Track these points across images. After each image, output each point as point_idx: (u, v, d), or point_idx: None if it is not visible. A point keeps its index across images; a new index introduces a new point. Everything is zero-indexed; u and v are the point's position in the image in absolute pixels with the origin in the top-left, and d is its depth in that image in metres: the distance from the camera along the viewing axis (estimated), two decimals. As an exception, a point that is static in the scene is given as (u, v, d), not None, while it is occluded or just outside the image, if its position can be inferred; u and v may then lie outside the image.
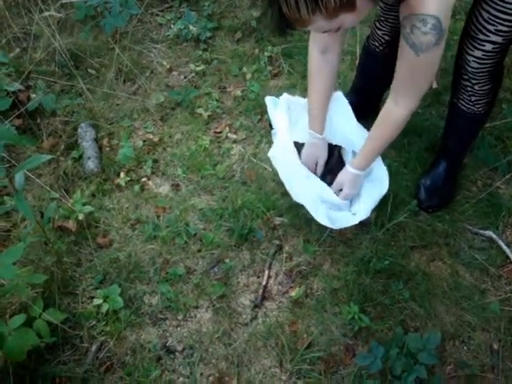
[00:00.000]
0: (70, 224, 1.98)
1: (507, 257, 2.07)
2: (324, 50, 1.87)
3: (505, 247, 2.08)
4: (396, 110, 1.69)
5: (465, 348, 1.85)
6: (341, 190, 1.99)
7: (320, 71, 1.93)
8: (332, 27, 1.36)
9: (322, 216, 1.93)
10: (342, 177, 1.98)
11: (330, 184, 2.03)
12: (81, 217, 1.97)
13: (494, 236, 2.11)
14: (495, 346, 1.84)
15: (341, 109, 2.15)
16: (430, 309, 1.91)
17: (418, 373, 1.68)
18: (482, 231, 2.13)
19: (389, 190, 2.16)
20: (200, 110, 2.46)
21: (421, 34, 1.46)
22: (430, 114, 2.48)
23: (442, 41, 1.47)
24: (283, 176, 2.06)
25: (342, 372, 1.75)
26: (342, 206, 2.02)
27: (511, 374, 1.78)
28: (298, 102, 2.22)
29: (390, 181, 2.08)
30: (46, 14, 2.49)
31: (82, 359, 1.72)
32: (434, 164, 2.24)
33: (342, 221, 1.96)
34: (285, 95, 2.23)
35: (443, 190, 2.19)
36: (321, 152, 2.08)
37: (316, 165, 2.10)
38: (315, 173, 2.09)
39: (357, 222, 1.94)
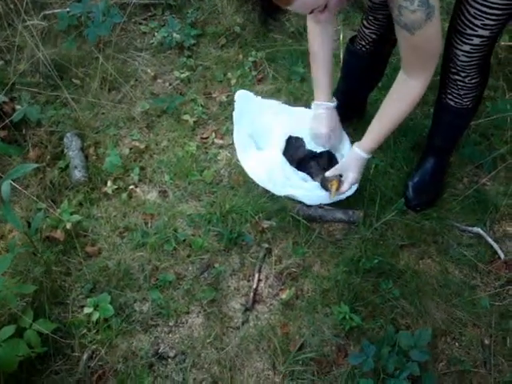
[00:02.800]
0: (58, 234, 1.97)
1: (495, 252, 2.08)
2: (317, 21, 1.89)
3: (493, 243, 2.10)
4: (410, 81, 1.68)
5: (456, 344, 1.86)
6: (340, 175, 1.97)
7: (318, 38, 1.95)
8: (317, 4, 1.36)
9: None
10: (349, 160, 1.96)
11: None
12: (69, 226, 1.97)
13: (482, 232, 2.13)
14: (486, 342, 1.85)
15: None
16: (420, 306, 1.91)
17: (410, 370, 1.68)
18: (469, 228, 2.15)
19: (376, 189, 2.19)
20: (186, 117, 2.47)
21: (409, 12, 1.46)
22: (414, 114, 2.49)
23: (432, 15, 1.47)
24: (259, 179, 2.11)
25: (335, 372, 1.75)
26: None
27: (503, 369, 1.78)
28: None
29: (378, 180, 2.11)
30: (29, 23, 2.49)
31: (73, 368, 1.71)
32: (421, 163, 2.25)
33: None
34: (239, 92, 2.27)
35: (430, 188, 2.20)
36: (334, 122, 2.10)
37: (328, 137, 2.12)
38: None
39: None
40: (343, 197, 2.05)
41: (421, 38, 1.52)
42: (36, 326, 1.64)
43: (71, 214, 2.02)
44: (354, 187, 2.05)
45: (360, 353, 1.73)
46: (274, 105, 2.29)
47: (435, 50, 1.61)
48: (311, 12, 1.42)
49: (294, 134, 2.20)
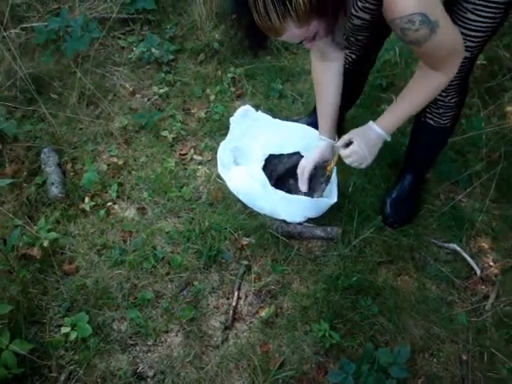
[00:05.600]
0: (35, 251, 1.95)
1: (472, 268, 2.11)
2: (322, 57, 1.88)
3: (469, 259, 2.12)
4: (433, 72, 1.59)
5: (435, 360, 1.87)
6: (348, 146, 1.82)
7: (322, 77, 1.95)
8: (306, 35, 1.37)
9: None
10: (359, 133, 1.81)
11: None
12: (46, 244, 1.94)
13: (459, 248, 2.15)
14: (464, 357, 1.87)
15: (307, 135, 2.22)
16: (398, 323, 1.92)
17: (390, 387, 1.69)
18: (446, 244, 2.17)
19: (355, 206, 2.21)
20: (164, 133, 2.46)
21: (412, 32, 1.43)
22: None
23: (437, 28, 1.43)
24: (238, 192, 2.12)
25: (315, 390, 1.75)
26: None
27: (481, 384, 1.81)
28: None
29: (355, 197, 2.14)
30: (6, 33, 2.46)
31: (51, 390, 1.69)
32: (399, 179, 2.27)
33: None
34: (242, 107, 2.26)
35: (408, 205, 2.23)
36: (326, 154, 2.05)
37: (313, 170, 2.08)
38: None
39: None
40: (319, 212, 2.06)
41: (432, 47, 1.47)
42: (12, 346, 1.61)
43: (48, 231, 2.00)
44: (335, 195, 2.05)
45: (340, 370, 1.73)
46: (271, 121, 2.30)
47: (454, 47, 1.53)
48: (300, 42, 1.43)
49: (278, 151, 2.21)
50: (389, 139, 1.80)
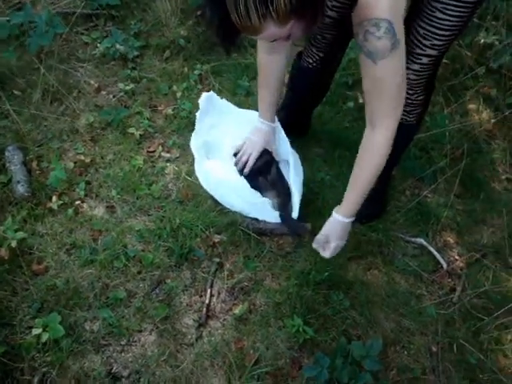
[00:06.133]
0: (3, 252, 1.89)
1: (438, 262, 2.16)
2: (270, 50, 1.91)
3: (435, 253, 2.18)
4: (375, 134, 1.60)
5: (405, 352, 1.91)
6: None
7: (267, 69, 2.00)
8: (282, 34, 1.37)
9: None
10: (330, 228, 1.82)
11: (274, 198, 2.12)
12: (13, 244, 1.89)
13: (425, 243, 2.21)
14: (434, 349, 1.92)
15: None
16: (370, 316, 1.96)
17: (364, 380, 1.72)
18: (413, 239, 2.22)
19: (323, 202, 2.23)
20: (131, 130, 2.43)
21: (375, 39, 1.43)
22: (357, 128, 2.56)
23: (397, 47, 1.43)
24: (209, 188, 2.17)
25: (291, 385, 1.77)
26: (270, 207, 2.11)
27: (451, 375, 1.86)
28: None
29: (324, 194, 2.16)
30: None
31: (23, 393, 1.65)
32: (366, 176, 2.30)
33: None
34: (204, 94, 2.29)
35: (375, 200, 2.26)
36: (271, 136, 2.18)
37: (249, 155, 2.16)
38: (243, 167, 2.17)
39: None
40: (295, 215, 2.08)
41: (383, 69, 1.47)
42: (-18, 350, 1.57)
43: (15, 230, 1.95)
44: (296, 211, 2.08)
45: (314, 365, 1.75)
46: (235, 112, 2.34)
47: (399, 84, 1.53)
48: (274, 40, 1.43)
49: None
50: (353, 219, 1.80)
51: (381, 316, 1.98)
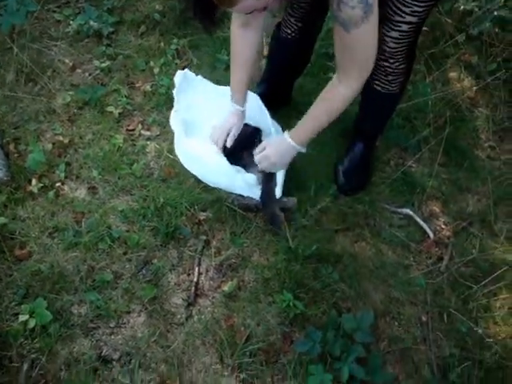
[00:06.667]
0: (-17, 238, 1.85)
1: (425, 232, 2.16)
2: (244, 25, 1.85)
3: (422, 223, 2.17)
4: (340, 87, 1.65)
5: (396, 323, 1.91)
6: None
7: (239, 46, 1.92)
8: (259, 6, 1.33)
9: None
10: (274, 141, 1.93)
11: (258, 173, 2.06)
12: (-6, 229, 1.85)
13: (411, 213, 2.20)
14: (424, 319, 1.92)
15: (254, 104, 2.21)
16: (359, 289, 1.96)
17: (356, 352, 1.72)
18: (399, 209, 2.21)
19: (308, 175, 2.21)
20: (110, 108, 2.37)
21: (349, 8, 1.43)
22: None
23: (370, 15, 1.44)
24: (193, 169, 2.12)
25: (283, 360, 1.76)
26: (254, 182, 2.06)
27: (442, 344, 1.86)
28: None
29: (309, 167, 2.14)
30: None
31: (13, 381, 1.61)
32: (350, 148, 2.29)
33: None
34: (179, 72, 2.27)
35: (360, 172, 2.25)
36: (239, 121, 2.10)
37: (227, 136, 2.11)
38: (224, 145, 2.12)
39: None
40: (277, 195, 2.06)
41: (356, 38, 1.50)
42: (-32, 339, 1.54)
43: (-4, 216, 1.90)
44: (279, 188, 2.07)
45: (306, 339, 1.75)
46: (211, 90, 2.30)
47: (369, 54, 1.57)
48: (250, 12, 1.39)
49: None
50: (303, 150, 1.86)
51: (370, 288, 1.97)
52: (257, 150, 1.94)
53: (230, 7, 1.32)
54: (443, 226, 2.20)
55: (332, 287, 1.93)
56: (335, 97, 1.69)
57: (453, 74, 2.73)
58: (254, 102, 2.21)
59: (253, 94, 2.23)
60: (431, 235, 2.15)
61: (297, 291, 1.89)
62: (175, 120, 2.15)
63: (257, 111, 2.20)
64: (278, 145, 1.88)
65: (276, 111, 2.32)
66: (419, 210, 2.23)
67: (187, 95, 2.24)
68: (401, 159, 2.39)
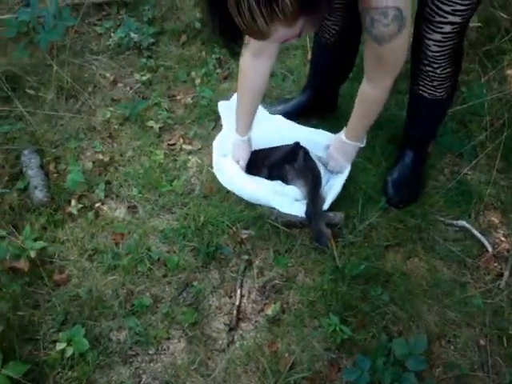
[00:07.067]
0: (22, 263, 1.82)
1: (483, 245, 2.01)
2: (257, 53, 1.78)
3: (479, 235, 2.03)
4: (371, 90, 1.69)
5: (451, 347, 1.78)
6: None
7: (250, 75, 1.87)
8: (293, 34, 1.25)
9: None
10: (335, 146, 2.02)
11: (301, 187, 2.02)
12: (32, 254, 1.82)
13: (468, 225, 2.05)
14: (482, 342, 1.78)
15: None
16: (411, 310, 1.83)
17: (408, 381, 1.61)
18: (454, 221, 2.07)
19: (356, 187, 2.10)
20: (150, 123, 2.33)
21: (382, 26, 1.40)
22: (388, 105, 2.38)
23: (403, 28, 1.43)
24: (233, 187, 2.05)
25: (330, 390, 1.66)
26: (298, 197, 2.02)
27: (501, 370, 1.71)
28: None
29: (356, 178, 2.06)
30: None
31: (48, 413, 1.58)
32: (400, 156, 2.16)
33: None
34: (235, 96, 2.17)
35: (411, 183, 2.12)
36: (243, 154, 2.06)
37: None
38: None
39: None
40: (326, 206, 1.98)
41: (388, 50, 1.49)
42: (5, 371, 1.51)
43: (35, 239, 1.88)
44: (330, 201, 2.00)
45: (354, 367, 1.65)
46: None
47: (400, 61, 1.58)
48: (284, 41, 1.30)
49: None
50: (362, 145, 1.99)
51: (423, 309, 1.84)
52: (328, 156, 2.05)
53: (263, 39, 1.24)
54: (503, 239, 2.04)
55: (382, 309, 1.81)
56: (370, 99, 1.74)
57: (510, 72, 2.55)
58: (283, 122, 2.21)
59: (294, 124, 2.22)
60: (490, 249, 2.00)
61: (344, 314, 1.79)
62: (217, 143, 2.12)
63: (291, 129, 2.18)
64: (339, 148, 1.99)
65: (323, 118, 2.23)
66: (476, 221, 2.09)
67: (230, 120, 2.17)
68: (455, 166, 2.25)
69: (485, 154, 2.21)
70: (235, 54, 1.41)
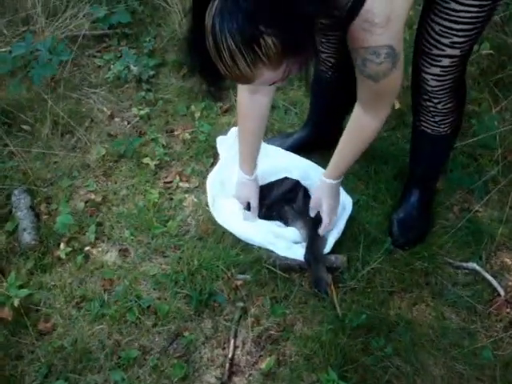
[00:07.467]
0: (6, 312, 1.74)
1: (494, 289, 1.89)
2: (254, 90, 1.70)
3: (491, 279, 1.90)
4: (366, 118, 1.56)
5: (460, 405, 1.65)
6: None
7: (248, 113, 1.79)
8: (280, 77, 1.17)
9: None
10: (318, 191, 1.86)
11: (301, 228, 1.95)
12: (16, 303, 1.74)
13: (478, 268, 1.93)
14: (493, 399, 1.65)
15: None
16: (416, 363, 1.70)
17: None
18: (464, 264, 1.95)
19: (360, 227, 2.00)
20: (146, 160, 2.25)
21: (375, 65, 1.32)
22: (395, 138, 2.31)
23: (397, 62, 1.34)
24: (230, 227, 1.97)
25: None
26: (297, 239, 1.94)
27: (514, 432, 1.59)
28: None
29: (360, 218, 1.96)
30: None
31: None
32: (405, 195, 2.05)
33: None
34: (233, 129, 2.11)
35: (418, 222, 2.01)
36: (251, 193, 1.97)
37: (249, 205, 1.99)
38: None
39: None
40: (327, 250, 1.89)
41: (384, 85, 1.40)
42: None
43: (19, 287, 1.79)
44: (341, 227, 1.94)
45: (353, 429, 1.53)
46: None
47: (397, 88, 1.48)
48: (272, 84, 1.23)
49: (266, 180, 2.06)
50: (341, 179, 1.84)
51: (429, 361, 1.72)
52: (312, 206, 1.90)
53: (248, 83, 1.18)
54: (516, 283, 1.92)
55: (384, 363, 1.69)
56: (364, 129, 1.61)
57: (524, 102, 2.44)
58: (280, 153, 2.16)
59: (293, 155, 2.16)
60: (502, 293, 1.87)
61: (343, 369, 1.67)
62: (211, 180, 2.05)
63: (288, 160, 2.12)
64: (327, 191, 1.83)
65: (324, 153, 2.13)
66: (487, 263, 1.96)
67: (232, 153, 2.09)
68: (466, 203, 2.13)
69: (497, 190, 2.09)
70: (215, 98, 1.33)
